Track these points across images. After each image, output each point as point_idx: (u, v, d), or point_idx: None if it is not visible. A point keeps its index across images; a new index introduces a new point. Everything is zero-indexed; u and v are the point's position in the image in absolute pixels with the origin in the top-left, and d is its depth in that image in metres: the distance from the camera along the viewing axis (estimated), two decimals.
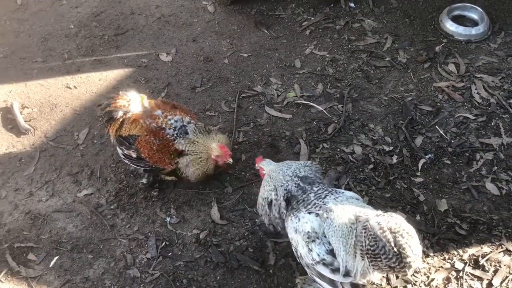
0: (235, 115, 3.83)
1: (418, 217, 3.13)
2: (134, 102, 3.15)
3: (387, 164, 3.44)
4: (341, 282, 2.33)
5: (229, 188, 3.37)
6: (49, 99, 4.10)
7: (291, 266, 2.93)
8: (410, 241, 2.07)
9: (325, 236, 2.31)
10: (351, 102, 3.89)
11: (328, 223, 2.29)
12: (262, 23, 4.65)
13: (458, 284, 2.83)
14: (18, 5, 5.05)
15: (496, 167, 3.40)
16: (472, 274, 2.87)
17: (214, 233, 3.15)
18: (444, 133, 3.63)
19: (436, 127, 3.68)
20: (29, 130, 3.83)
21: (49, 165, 3.62)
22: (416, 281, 2.83)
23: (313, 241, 2.32)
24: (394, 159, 3.47)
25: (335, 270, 2.28)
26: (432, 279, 2.84)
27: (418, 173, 3.39)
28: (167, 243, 3.11)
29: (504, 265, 2.89)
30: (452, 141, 3.58)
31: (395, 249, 2.07)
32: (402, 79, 4.06)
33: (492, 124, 3.68)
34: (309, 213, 2.37)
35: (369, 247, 2.15)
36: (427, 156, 3.47)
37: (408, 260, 2.08)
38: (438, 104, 3.85)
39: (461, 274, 2.86)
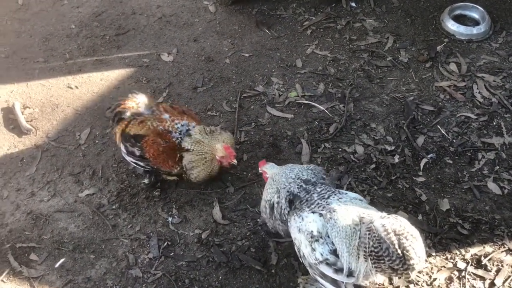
0: (236, 115, 3.83)
1: (420, 217, 3.13)
2: (142, 105, 3.21)
3: (389, 163, 3.44)
4: (344, 283, 2.33)
5: (231, 188, 3.37)
6: (50, 99, 4.10)
7: (293, 266, 2.93)
8: (414, 243, 2.07)
9: (328, 236, 2.31)
10: (352, 101, 3.88)
11: (332, 224, 2.29)
12: (263, 23, 4.65)
13: (460, 283, 2.83)
14: (19, 5, 5.05)
15: (498, 167, 3.40)
16: (474, 274, 2.86)
17: (216, 233, 3.14)
18: (445, 133, 3.63)
19: (438, 126, 3.68)
20: (31, 130, 3.83)
21: (50, 165, 3.62)
22: (418, 281, 2.83)
23: (317, 240, 2.31)
24: (396, 159, 3.47)
25: (338, 270, 2.27)
26: (434, 279, 2.84)
27: (420, 173, 3.39)
28: (169, 243, 3.11)
29: (507, 264, 2.89)
30: (454, 140, 3.57)
31: (399, 251, 2.07)
32: (404, 79, 4.06)
33: (494, 123, 3.68)
34: (313, 212, 2.37)
35: (372, 248, 2.15)
36: (429, 156, 3.47)
37: (411, 262, 2.08)
38: (440, 103, 3.85)
39: (463, 273, 2.86)
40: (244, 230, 3.14)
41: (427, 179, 3.35)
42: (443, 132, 3.64)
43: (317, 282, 2.53)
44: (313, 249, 2.32)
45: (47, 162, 3.64)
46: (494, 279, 2.83)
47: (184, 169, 3.12)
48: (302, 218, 2.39)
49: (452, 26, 4.37)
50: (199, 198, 3.33)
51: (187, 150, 3.08)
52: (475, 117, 3.72)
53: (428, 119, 3.74)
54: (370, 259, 2.18)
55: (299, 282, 2.81)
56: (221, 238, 3.12)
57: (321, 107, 3.85)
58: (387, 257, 2.11)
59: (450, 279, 2.85)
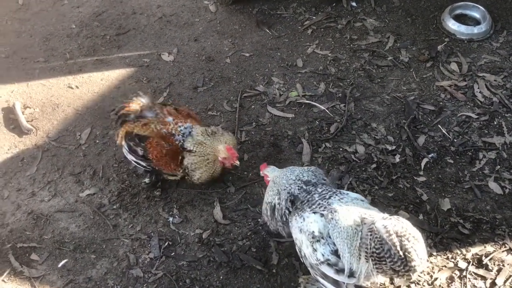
0: (237, 115, 3.83)
1: (421, 217, 3.13)
2: (146, 107, 3.21)
3: (389, 163, 3.44)
4: (345, 283, 2.32)
5: (232, 188, 3.37)
6: (51, 99, 4.10)
7: (294, 266, 2.93)
8: (416, 245, 2.07)
9: (329, 237, 2.30)
10: (353, 101, 3.88)
11: (333, 224, 2.29)
12: (264, 22, 4.64)
13: (461, 283, 2.83)
14: (20, 5, 5.05)
15: (499, 166, 3.40)
16: (475, 273, 2.86)
17: (217, 232, 3.14)
18: (446, 132, 3.63)
19: (439, 126, 3.68)
20: (31, 130, 3.83)
21: (51, 165, 3.62)
22: (419, 281, 2.83)
23: (318, 241, 2.31)
24: (397, 159, 3.47)
25: (340, 271, 2.27)
26: (436, 278, 2.84)
27: (421, 173, 3.39)
28: (170, 243, 3.11)
29: (508, 264, 2.89)
30: (455, 140, 3.57)
31: (401, 253, 2.07)
32: (404, 78, 4.05)
33: (495, 123, 3.68)
34: (314, 213, 2.37)
35: (374, 249, 2.15)
36: (430, 155, 3.47)
37: (413, 264, 2.08)
38: (441, 103, 3.84)
39: (464, 273, 2.86)
40: (245, 230, 3.14)
41: (428, 178, 3.35)
42: (444, 131, 3.64)
43: (318, 282, 2.52)
44: (315, 250, 2.32)
45: (47, 162, 3.64)
46: (495, 278, 2.83)
47: (186, 170, 3.12)
48: (304, 219, 2.39)
49: (453, 25, 4.36)
50: (200, 198, 3.33)
51: (189, 151, 3.08)
52: (476, 116, 3.72)
53: (429, 119, 3.73)
54: (372, 260, 2.17)
55: (300, 282, 2.81)
56: (222, 238, 3.11)
57: (322, 107, 3.85)
58: (388, 258, 2.11)
59: (451, 279, 2.85)
